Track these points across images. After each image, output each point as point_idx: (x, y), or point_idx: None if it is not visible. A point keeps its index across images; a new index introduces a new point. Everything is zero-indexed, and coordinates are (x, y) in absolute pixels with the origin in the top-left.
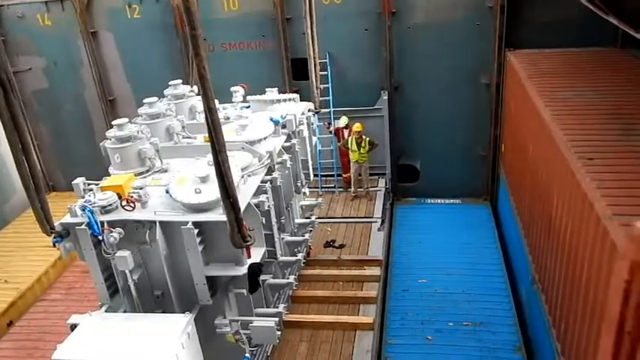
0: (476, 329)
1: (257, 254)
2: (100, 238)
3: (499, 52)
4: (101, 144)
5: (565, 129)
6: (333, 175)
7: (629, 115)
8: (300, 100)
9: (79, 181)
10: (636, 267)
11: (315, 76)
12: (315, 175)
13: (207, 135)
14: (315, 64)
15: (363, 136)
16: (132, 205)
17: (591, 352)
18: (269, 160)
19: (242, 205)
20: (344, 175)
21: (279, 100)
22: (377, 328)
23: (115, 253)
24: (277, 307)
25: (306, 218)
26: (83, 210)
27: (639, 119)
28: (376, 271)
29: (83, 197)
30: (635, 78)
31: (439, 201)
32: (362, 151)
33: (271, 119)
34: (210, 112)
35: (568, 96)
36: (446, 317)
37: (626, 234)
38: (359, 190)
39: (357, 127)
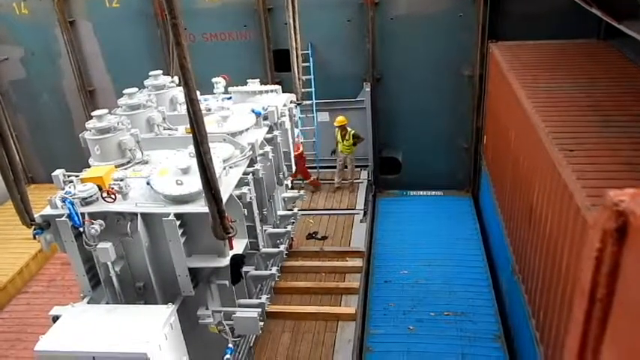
0: (457, 319)
1: (239, 246)
2: (81, 230)
3: (482, 44)
4: (80, 135)
5: (546, 121)
6: (315, 167)
7: (610, 107)
8: (282, 92)
9: (59, 172)
10: (607, 235)
11: (298, 67)
12: None
13: (188, 126)
14: (297, 56)
15: (348, 129)
16: (112, 196)
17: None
18: (251, 152)
19: (224, 197)
20: (307, 182)
21: (260, 92)
22: (359, 318)
23: (96, 245)
24: (260, 298)
25: (289, 210)
26: (63, 202)
27: (619, 111)
28: (358, 262)
29: (63, 189)
30: (617, 70)
31: (421, 193)
32: (345, 143)
33: (253, 111)
34: (191, 103)
35: (550, 88)
36: (427, 307)
37: (598, 202)
38: (343, 182)
39: (338, 121)
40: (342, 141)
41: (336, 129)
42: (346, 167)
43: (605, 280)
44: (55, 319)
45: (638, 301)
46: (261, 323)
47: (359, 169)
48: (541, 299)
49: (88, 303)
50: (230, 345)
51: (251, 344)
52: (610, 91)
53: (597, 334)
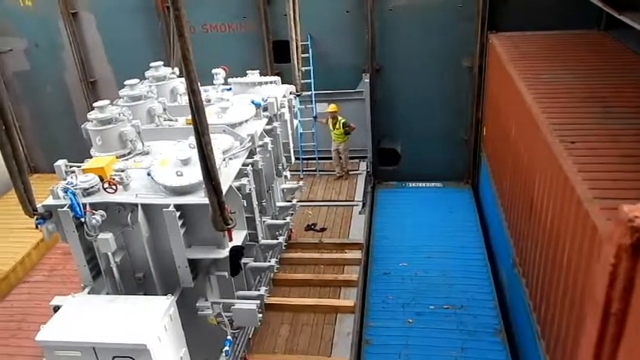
0: (457, 312)
1: (238, 237)
2: (83, 220)
3: (481, 35)
4: (82, 126)
5: (547, 112)
6: (314, 159)
7: (611, 98)
8: (282, 83)
9: (61, 163)
10: (622, 250)
11: (297, 58)
12: (297, 158)
13: (188, 117)
14: (296, 47)
15: (338, 117)
16: (114, 187)
17: (571, 335)
18: (250, 143)
19: (224, 188)
20: None
21: (260, 83)
22: (358, 311)
23: (97, 236)
24: (259, 290)
25: (288, 201)
26: (65, 192)
27: (620, 102)
28: (357, 254)
29: (65, 179)
30: (618, 61)
31: (420, 184)
32: (336, 131)
33: (253, 102)
34: (193, 94)
35: (550, 79)
36: (427, 300)
37: (613, 216)
38: (340, 172)
39: (331, 107)
40: (333, 129)
41: (328, 116)
42: (340, 157)
43: (620, 295)
44: (56, 309)
45: None
46: (260, 315)
47: (357, 160)
48: (542, 293)
49: (89, 293)
50: (229, 337)
51: (250, 336)
52: (611, 82)
53: (611, 349)
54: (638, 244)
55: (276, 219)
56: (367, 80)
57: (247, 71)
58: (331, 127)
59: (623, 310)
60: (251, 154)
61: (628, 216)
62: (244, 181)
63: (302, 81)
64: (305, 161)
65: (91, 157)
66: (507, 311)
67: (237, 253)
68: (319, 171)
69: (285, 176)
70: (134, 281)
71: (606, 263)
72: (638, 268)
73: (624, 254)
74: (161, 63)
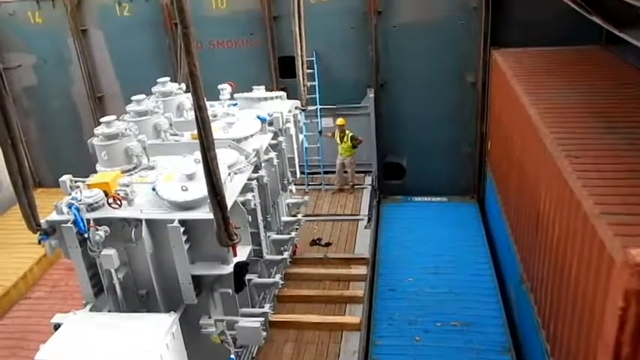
0: (464, 329)
1: (243, 253)
2: (86, 236)
3: (484, 51)
4: (88, 141)
5: (551, 127)
6: (319, 173)
7: (614, 112)
8: (287, 98)
9: (66, 178)
10: (631, 294)
11: (303, 73)
12: (302, 173)
13: (194, 132)
14: (302, 62)
15: (346, 131)
16: (118, 202)
17: (582, 352)
18: (256, 158)
19: (229, 203)
20: None
21: (266, 98)
22: (364, 328)
23: (100, 252)
24: (263, 307)
25: (293, 216)
26: (69, 207)
27: (624, 117)
28: (363, 269)
29: (70, 194)
30: (620, 76)
31: (426, 199)
32: (343, 145)
33: (258, 117)
34: (199, 109)
35: (553, 94)
36: (433, 317)
37: (622, 260)
38: (344, 186)
39: (339, 121)
40: (341, 143)
41: (336, 130)
42: (346, 172)
43: (630, 339)
44: (57, 326)
45: None
46: (264, 333)
47: (363, 174)
48: (551, 309)
49: (91, 310)
50: (232, 355)
51: (253, 355)
52: (614, 97)
53: None
54: None
55: (281, 234)
56: (372, 95)
57: (253, 86)
58: (338, 140)
59: (633, 354)
60: (256, 168)
61: (635, 259)
62: (249, 196)
63: (307, 96)
64: (310, 176)
65: (96, 171)
66: (516, 328)
67: (241, 269)
68: (324, 185)
69: (291, 191)
70: (137, 298)
71: (615, 307)
72: None
73: (633, 298)
74: (168, 79)
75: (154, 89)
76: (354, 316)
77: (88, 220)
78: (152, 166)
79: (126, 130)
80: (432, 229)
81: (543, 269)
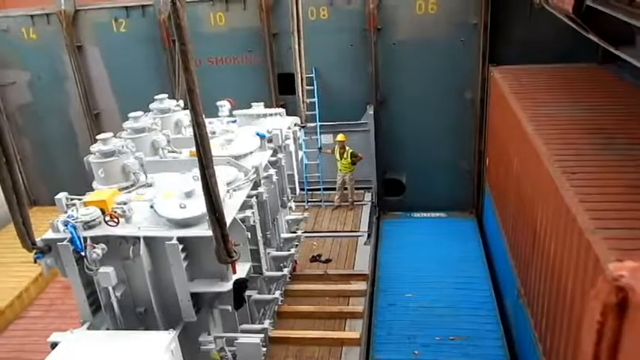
0: (462, 344)
1: (242, 270)
2: (83, 254)
3: (483, 68)
4: (85, 158)
5: (548, 143)
6: (319, 189)
7: (610, 129)
8: (287, 115)
9: (62, 195)
10: (608, 309)
11: (302, 90)
12: (302, 190)
13: (192, 149)
14: (301, 79)
15: (347, 147)
16: (115, 220)
17: None
18: (255, 175)
19: (228, 220)
20: None
21: (265, 115)
22: (363, 343)
23: (97, 270)
24: (263, 323)
25: (292, 233)
26: (65, 225)
27: (620, 134)
28: (362, 285)
29: (66, 212)
30: (617, 93)
31: (425, 215)
32: (343, 161)
33: (257, 134)
34: (198, 126)
35: (551, 111)
36: (432, 332)
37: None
38: (343, 203)
39: (339, 137)
40: (341, 159)
41: (336, 146)
42: (346, 189)
43: (607, 353)
44: (54, 345)
45: None
46: (264, 349)
47: (362, 190)
48: (547, 324)
49: (88, 329)
50: None
51: None
52: (611, 114)
53: None
54: (623, 302)
55: (281, 250)
56: (371, 112)
57: (252, 103)
58: (338, 156)
59: None
60: (255, 185)
61: (613, 275)
62: (248, 212)
63: (307, 112)
64: (310, 192)
65: (93, 189)
66: (513, 342)
67: (241, 285)
68: (324, 202)
69: (290, 207)
70: (135, 316)
71: (593, 321)
72: (623, 326)
73: (610, 313)
74: (166, 95)
75: (151, 106)
76: (353, 331)
77: (85, 238)
78: (150, 183)
79: (123, 147)
80: (432, 245)
81: (540, 284)
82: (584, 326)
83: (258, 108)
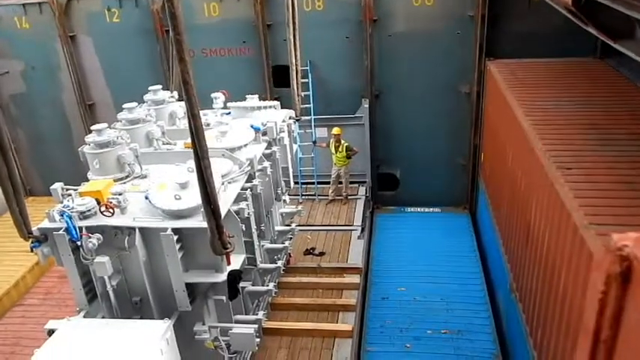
0: (454, 337)
1: (237, 261)
2: (79, 243)
3: (479, 62)
4: (80, 149)
5: (544, 138)
6: (313, 183)
7: (607, 125)
8: (281, 108)
9: (58, 186)
10: (611, 278)
11: (297, 83)
12: (296, 183)
13: (187, 141)
14: (296, 72)
15: (342, 141)
16: (111, 210)
17: None
18: (249, 168)
19: (222, 212)
20: None
21: (259, 107)
22: (356, 335)
23: (93, 259)
24: (256, 314)
25: (286, 226)
26: (61, 215)
27: (617, 129)
28: (356, 278)
29: (61, 202)
30: (614, 88)
31: (419, 209)
32: (338, 154)
33: (252, 126)
34: (193, 118)
35: (547, 106)
36: (425, 325)
37: (603, 244)
38: (337, 196)
39: (335, 130)
40: (336, 152)
41: (332, 139)
42: (341, 182)
43: (609, 322)
44: (51, 332)
45: None
46: (258, 340)
47: (356, 184)
48: (538, 318)
49: (84, 317)
50: None
51: None
52: (607, 109)
53: None
54: (626, 272)
55: (275, 243)
56: (366, 105)
57: (246, 95)
58: (333, 150)
59: (612, 338)
60: (250, 178)
61: (617, 244)
62: (243, 205)
63: (301, 106)
64: (304, 186)
65: (88, 180)
66: (504, 336)
67: (235, 277)
68: (318, 195)
69: (284, 200)
70: (131, 305)
71: (596, 291)
72: (627, 296)
73: (614, 282)
74: (160, 86)
75: (145, 97)
76: (346, 323)
77: (81, 228)
78: (145, 174)
79: (117, 138)
80: (425, 240)
81: (532, 279)
82: (586, 300)
83: (252, 100)
